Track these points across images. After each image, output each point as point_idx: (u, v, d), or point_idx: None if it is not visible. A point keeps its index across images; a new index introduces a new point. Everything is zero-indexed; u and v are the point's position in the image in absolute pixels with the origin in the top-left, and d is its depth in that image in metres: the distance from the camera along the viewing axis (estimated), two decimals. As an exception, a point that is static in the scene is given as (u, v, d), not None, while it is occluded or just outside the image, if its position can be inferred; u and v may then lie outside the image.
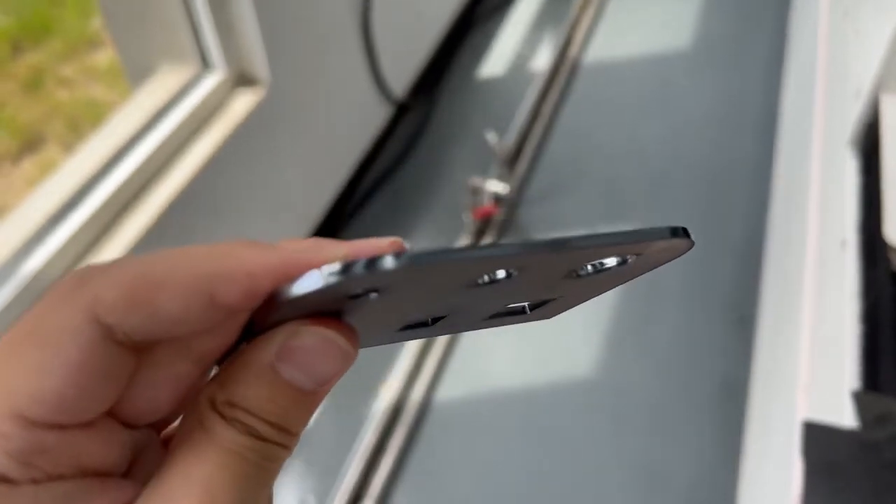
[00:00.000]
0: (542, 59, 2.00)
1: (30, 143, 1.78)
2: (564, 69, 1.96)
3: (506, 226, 1.62)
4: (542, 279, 0.22)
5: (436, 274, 0.19)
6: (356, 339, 0.19)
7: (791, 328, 1.01)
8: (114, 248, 1.06)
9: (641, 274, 0.24)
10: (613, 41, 2.07)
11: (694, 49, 2.03)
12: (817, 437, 0.67)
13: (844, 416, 0.71)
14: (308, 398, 0.19)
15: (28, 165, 1.73)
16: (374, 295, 0.19)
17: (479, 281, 0.20)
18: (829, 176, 1.02)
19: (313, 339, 0.19)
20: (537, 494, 1.22)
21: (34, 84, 1.90)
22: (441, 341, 1.40)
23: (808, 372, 0.89)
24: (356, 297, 0.19)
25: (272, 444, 0.18)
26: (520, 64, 2.02)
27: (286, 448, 0.19)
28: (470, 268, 0.19)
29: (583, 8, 2.14)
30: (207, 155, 1.18)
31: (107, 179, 1.10)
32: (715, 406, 1.31)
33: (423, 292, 0.21)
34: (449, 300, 0.22)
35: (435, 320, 0.23)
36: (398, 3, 1.73)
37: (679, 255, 0.23)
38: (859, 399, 0.69)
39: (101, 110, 1.84)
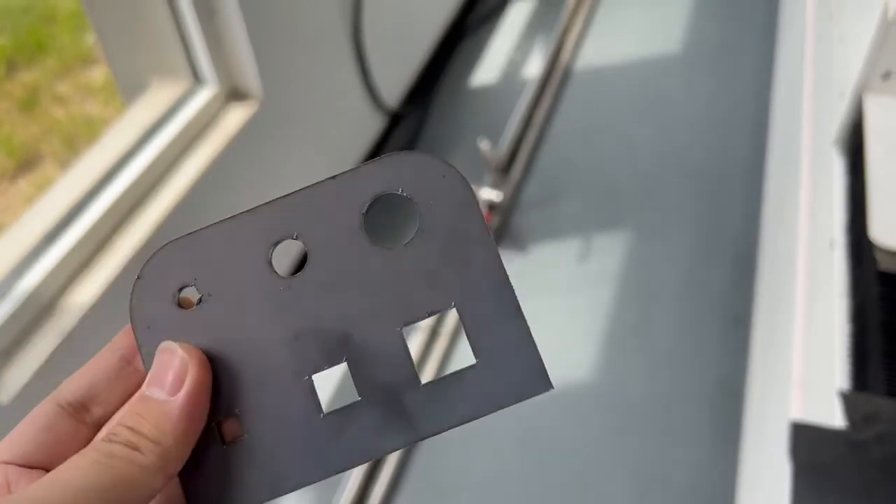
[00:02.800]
0: (534, 66, 2.01)
1: (26, 162, 1.79)
2: (556, 75, 1.97)
3: (500, 233, 1.63)
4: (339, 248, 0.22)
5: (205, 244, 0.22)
6: (197, 353, 0.22)
7: (784, 328, 1.01)
8: (110, 264, 1.07)
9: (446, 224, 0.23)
10: (604, 46, 2.08)
11: (685, 52, 2.04)
12: (805, 438, 0.68)
13: (836, 416, 0.71)
14: (166, 406, 0.21)
15: (24, 184, 1.74)
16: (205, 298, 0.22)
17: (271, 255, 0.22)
18: (817, 176, 1.02)
19: (159, 353, 0.23)
20: (536, 500, 1.23)
21: (30, 102, 1.91)
22: (439, 347, 1.40)
23: (800, 371, 0.89)
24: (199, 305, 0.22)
25: (119, 443, 0.21)
26: (512, 71, 2.03)
27: (136, 450, 0.21)
28: (240, 227, 0.22)
29: (573, 14, 2.15)
30: (201, 170, 1.19)
31: (101, 196, 1.11)
32: (712, 407, 1.31)
33: (245, 286, 0.22)
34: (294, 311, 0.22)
35: (341, 349, 0.22)
36: (389, 14, 1.74)
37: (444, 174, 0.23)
38: (847, 399, 0.70)
39: (97, 127, 1.85)
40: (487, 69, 2.04)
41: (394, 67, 1.83)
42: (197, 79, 1.27)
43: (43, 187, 1.63)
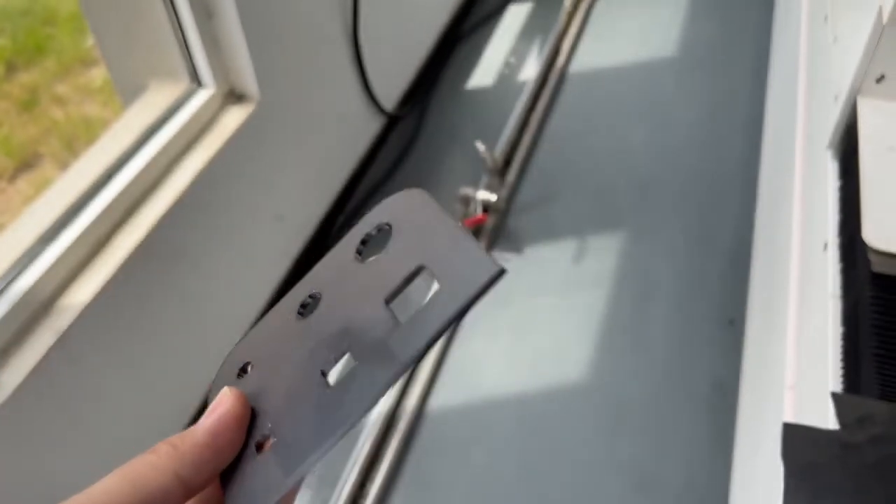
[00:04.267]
0: (530, 69, 2.02)
1: (26, 162, 1.79)
2: (552, 78, 1.97)
3: (496, 234, 1.63)
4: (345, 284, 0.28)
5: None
6: (235, 392, 0.27)
7: (777, 330, 1.01)
8: (107, 264, 1.07)
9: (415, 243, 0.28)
10: (600, 49, 2.08)
11: (680, 55, 2.05)
12: (797, 439, 0.68)
13: (829, 418, 0.71)
14: (197, 425, 0.27)
15: (24, 184, 1.75)
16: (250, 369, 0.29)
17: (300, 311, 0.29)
18: (811, 178, 1.03)
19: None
20: (532, 500, 1.23)
21: (29, 103, 1.91)
22: (434, 349, 1.41)
23: (793, 373, 0.90)
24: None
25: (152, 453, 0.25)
26: (508, 74, 2.04)
27: (153, 453, 0.25)
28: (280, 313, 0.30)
29: (570, 17, 2.16)
30: (198, 171, 1.20)
31: (99, 197, 1.11)
32: (707, 408, 1.31)
33: (281, 342, 0.29)
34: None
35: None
36: (386, 16, 1.75)
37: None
38: (840, 400, 0.70)
39: (95, 128, 1.86)
40: (484, 72, 2.05)
41: (391, 69, 1.83)
42: (194, 80, 1.27)
43: (42, 188, 1.64)
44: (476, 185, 1.65)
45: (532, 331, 1.45)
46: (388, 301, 0.26)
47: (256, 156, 1.34)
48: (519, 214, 1.68)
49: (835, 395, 0.70)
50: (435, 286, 0.25)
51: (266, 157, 1.37)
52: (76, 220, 1.08)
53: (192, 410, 1.29)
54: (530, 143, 1.81)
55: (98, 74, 1.99)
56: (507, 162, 1.77)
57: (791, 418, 0.83)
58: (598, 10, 2.22)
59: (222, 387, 0.28)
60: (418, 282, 0.27)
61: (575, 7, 2.19)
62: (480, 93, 2.00)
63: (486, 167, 1.68)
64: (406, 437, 1.31)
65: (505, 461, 1.28)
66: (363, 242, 0.29)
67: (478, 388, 1.38)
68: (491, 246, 1.61)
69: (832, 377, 0.75)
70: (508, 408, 1.35)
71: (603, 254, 1.58)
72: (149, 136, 1.20)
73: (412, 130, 1.89)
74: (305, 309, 0.29)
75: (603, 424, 1.31)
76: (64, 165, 1.75)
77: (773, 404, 0.96)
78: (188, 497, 0.25)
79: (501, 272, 0.24)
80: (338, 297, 0.28)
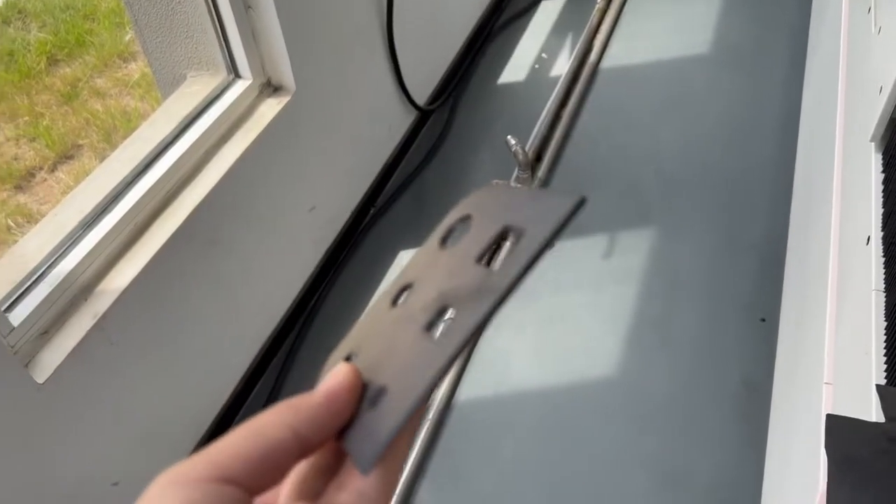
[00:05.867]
0: (562, 65, 2.01)
1: (66, 153, 1.83)
2: (584, 74, 1.97)
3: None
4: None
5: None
6: (346, 364, 0.29)
7: (815, 325, 1.00)
8: (145, 250, 1.09)
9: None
10: (632, 46, 2.07)
11: (713, 51, 2.02)
12: (840, 431, 0.67)
13: (869, 411, 0.70)
14: (314, 391, 0.28)
15: (63, 175, 1.79)
16: None
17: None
18: (852, 173, 1.01)
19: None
20: (557, 494, 1.22)
21: (70, 96, 1.95)
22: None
23: (832, 368, 0.88)
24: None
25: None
26: (540, 70, 2.03)
27: (277, 411, 0.26)
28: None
29: (602, 13, 2.15)
30: (235, 160, 1.21)
31: (138, 184, 1.13)
32: (737, 405, 1.30)
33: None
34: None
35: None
36: (420, 12, 1.76)
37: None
38: (885, 393, 0.69)
39: (133, 120, 1.89)
40: (516, 67, 2.05)
41: (424, 64, 1.84)
42: (232, 72, 1.29)
43: (81, 178, 1.67)
44: (507, 180, 1.65)
45: (560, 326, 1.45)
46: (478, 261, 0.28)
47: (291, 147, 1.35)
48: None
49: (880, 388, 0.69)
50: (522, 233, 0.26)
51: (300, 148, 1.38)
52: (115, 207, 1.10)
53: (226, 394, 1.31)
54: (561, 138, 1.81)
55: (136, 68, 2.03)
56: (538, 157, 1.76)
57: (828, 412, 0.81)
58: (630, 6, 2.20)
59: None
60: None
61: (608, 3, 2.18)
62: (512, 88, 2.00)
63: (517, 162, 1.67)
64: (434, 428, 1.31)
65: (531, 453, 1.28)
66: (446, 235, 0.31)
67: (505, 382, 1.37)
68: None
69: (875, 371, 0.74)
70: (535, 401, 1.34)
71: (632, 250, 1.57)
72: (187, 126, 1.21)
73: (443, 125, 1.89)
74: (399, 299, 0.31)
75: (630, 420, 1.30)
76: (102, 157, 1.79)
77: (809, 400, 0.94)
78: (305, 454, 0.26)
79: (583, 200, 0.25)
80: (428, 279, 0.30)
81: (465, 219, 0.31)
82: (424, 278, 0.30)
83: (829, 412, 0.73)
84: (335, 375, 0.28)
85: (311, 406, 0.26)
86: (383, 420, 0.26)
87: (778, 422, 1.18)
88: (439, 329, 0.27)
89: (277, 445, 0.25)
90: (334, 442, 0.28)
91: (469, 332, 0.25)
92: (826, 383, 0.88)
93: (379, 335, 0.30)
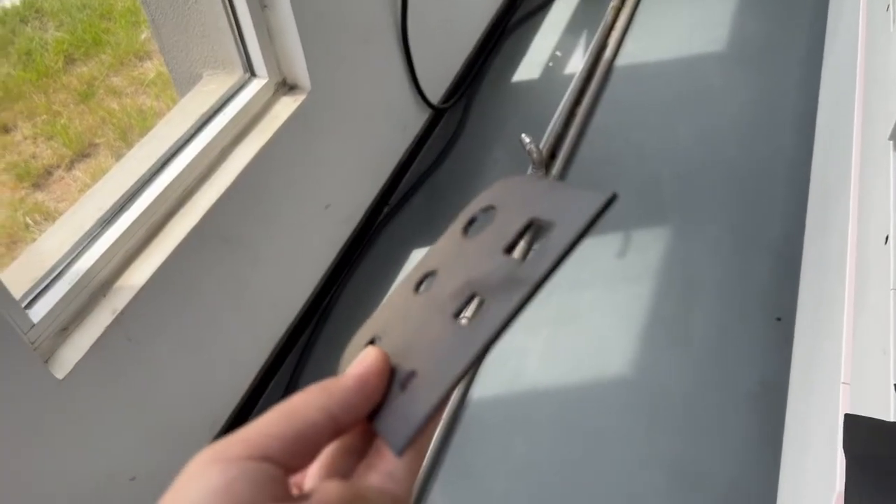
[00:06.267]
0: (577, 62, 2.01)
1: (82, 152, 1.85)
2: (599, 72, 1.96)
3: (539, 226, 1.62)
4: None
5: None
6: (375, 349, 0.29)
7: (832, 324, 0.99)
8: (162, 248, 1.10)
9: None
10: (647, 43, 2.06)
11: (729, 48, 2.01)
12: (858, 430, 0.67)
13: (888, 411, 0.70)
14: (344, 375, 0.28)
15: (80, 173, 1.80)
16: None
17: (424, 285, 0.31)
18: (870, 171, 1.00)
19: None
20: (572, 493, 1.22)
21: (86, 95, 1.97)
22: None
23: (849, 368, 0.88)
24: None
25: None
26: (554, 67, 2.03)
27: (310, 393, 0.27)
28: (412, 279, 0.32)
29: (617, 11, 2.14)
30: (250, 159, 1.22)
31: (155, 182, 1.14)
32: (752, 405, 1.29)
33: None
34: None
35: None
36: (435, 10, 1.76)
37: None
38: (903, 392, 0.68)
39: (149, 119, 1.91)
40: (530, 65, 2.04)
41: (438, 62, 1.84)
42: (248, 70, 1.30)
43: (98, 176, 1.68)
44: (525, 174, 1.65)
45: (573, 325, 1.45)
46: (506, 251, 0.28)
47: (306, 145, 1.36)
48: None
49: (897, 387, 0.69)
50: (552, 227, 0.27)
51: (315, 146, 1.39)
52: (133, 205, 1.11)
53: (242, 390, 1.32)
54: (576, 136, 1.80)
55: (151, 67, 2.05)
56: (553, 155, 1.76)
57: (846, 411, 0.81)
58: (645, 3, 2.19)
59: (346, 363, 0.30)
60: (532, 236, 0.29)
61: (622, 1, 2.17)
62: (526, 86, 2.00)
63: (531, 160, 1.67)
64: (448, 426, 1.31)
65: (544, 452, 1.28)
66: (469, 224, 0.31)
67: (519, 380, 1.37)
68: (531, 242, 1.60)
69: (893, 371, 0.73)
70: (549, 400, 1.34)
71: (646, 248, 1.56)
72: (203, 125, 1.22)
73: (457, 123, 1.89)
74: (421, 286, 0.31)
75: (644, 419, 1.30)
76: (119, 155, 1.80)
77: (826, 400, 0.94)
78: (336, 435, 0.27)
79: (614, 196, 0.25)
80: (454, 266, 0.30)
81: (488, 209, 0.31)
82: (449, 266, 0.30)
83: (847, 412, 0.73)
84: (365, 359, 0.28)
85: (343, 389, 0.27)
86: (415, 404, 0.26)
87: (794, 421, 1.17)
88: (469, 317, 0.27)
89: (312, 426, 0.26)
90: (363, 424, 0.28)
91: (502, 321, 0.25)
92: (843, 383, 0.87)
93: (405, 320, 0.30)
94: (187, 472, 0.24)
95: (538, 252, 0.26)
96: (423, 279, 0.31)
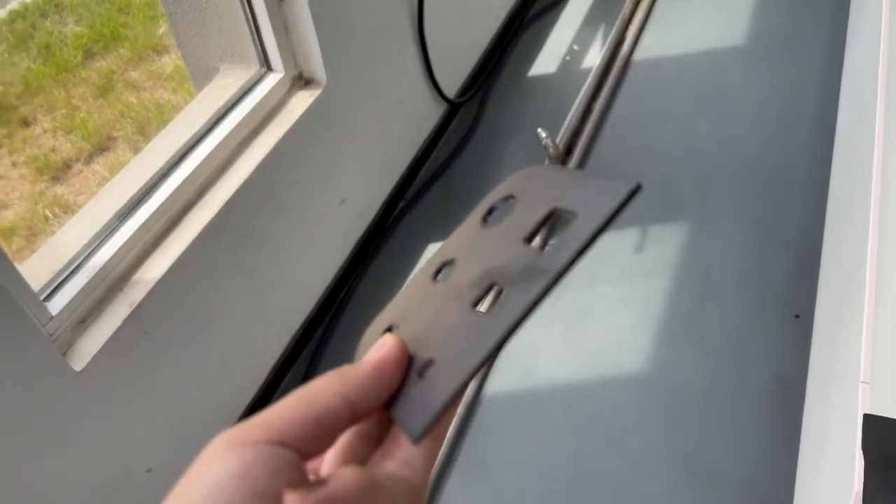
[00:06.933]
0: (594, 56, 1.99)
1: (101, 145, 1.86)
2: (616, 66, 1.94)
3: (555, 221, 1.61)
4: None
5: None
6: (394, 336, 0.29)
7: (851, 322, 0.98)
8: (179, 241, 1.10)
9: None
10: (666, 37, 2.04)
11: (748, 43, 1.99)
12: (878, 431, 0.66)
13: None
14: (362, 362, 0.28)
15: (98, 166, 1.82)
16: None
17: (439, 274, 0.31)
18: (892, 168, 0.99)
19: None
20: (586, 488, 1.22)
21: (105, 88, 1.99)
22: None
23: (868, 367, 0.86)
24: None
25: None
26: (571, 61, 2.02)
27: (324, 377, 0.27)
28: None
29: (636, 4, 2.12)
30: (266, 153, 1.22)
31: (172, 176, 1.15)
32: (769, 402, 1.28)
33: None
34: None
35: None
36: (451, 4, 1.75)
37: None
38: (923, 392, 0.67)
39: (166, 112, 1.92)
40: (547, 59, 2.03)
41: (454, 57, 1.84)
42: (264, 65, 1.30)
43: (116, 169, 1.70)
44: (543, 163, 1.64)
45: (589, 320, 1.44)
46: (525, 241, 0.28)
47: (322, 140, 1.36)
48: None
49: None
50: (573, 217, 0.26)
51: (331, 141, 1.39)
52: (150, 199, 1.12)
53: (257, 384, 1.32)
54: (592, 130, 1.79)
55: (169, 61, 2.06)
56: (569, 150, 1.75)
57: (865, 411, 0.80)
58: (664, -3, 2.17)
59: (364, 351, 0.30)
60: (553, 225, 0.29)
61: (640, -6, 2.15)
62: (543, 80, 1.99)
63: (547, 154, 1.66)
64: (463, 420, 1.31)
65: (559, 446, 1.27)
66: (488, 213, 0.31)
67: (534, 375, 1.37)
68: (551, 232, 1.60)
69: (914, 370, 0.72)
70: (563, 395, 1.34)
71: (663, 244, 1.55)
72: (220, 119, 1.23)
73: (473, 117, 1.89)
74: (440, 274, 0.31)
75: (660, 415, 1.29)
76: (136, 149, 1.81)
77: (845, 399, 0.93)
78: (354, 421, 0.27)
79: (638, 187, 0.25)
80: (473, 255, 0.30)
81: (507, 199, 0.31)
82: (467, 255, 0.30)
83: (867, 412, 0.72)
84: (383, 346, 0.28)
85: (361, 375, 0.27)
86: (433, 392, 0.26)
87: (811, 420, 1.16)
88: (487, 305, 0.27)
89: (329, 412, 0.26)
90: (380, 411, 0.28)
91: (522, 311, 0.25)
92: (863, 382, 0.86)
93: (422, 308, 0.30)
94: (204, 455, 0.24)
95: (559, 242, 0.25)
96: (441, 268, 0.31)
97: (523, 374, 1.38)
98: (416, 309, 0.30)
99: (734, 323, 1.40)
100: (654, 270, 1.51)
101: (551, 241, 0.26)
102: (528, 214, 0.29)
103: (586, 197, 0.26)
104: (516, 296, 0.26)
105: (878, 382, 0.82)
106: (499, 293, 0.27)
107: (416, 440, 0.26)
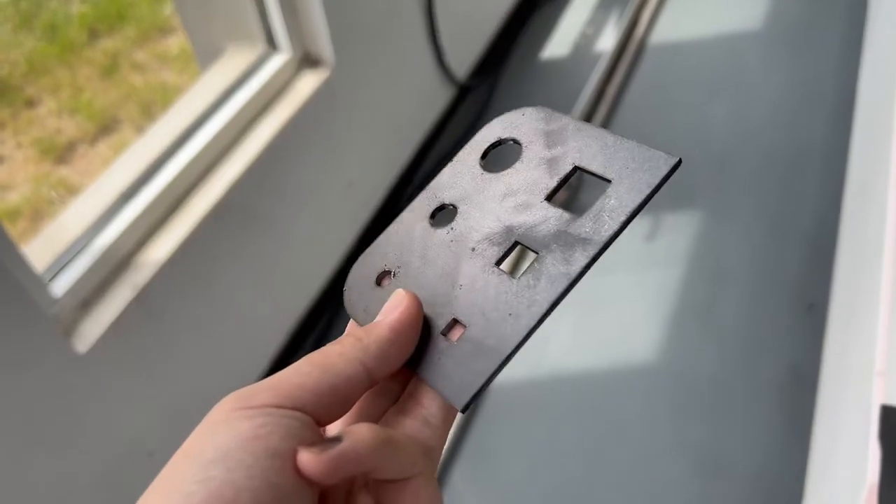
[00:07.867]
0: (607, 40, 1.96)
1: (106, 126, 1.85)
2: (630, 50, 1.91)
3: (568, 208, 1.59)
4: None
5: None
6: (410, 293, 0.28)
7: (867, 312, 0.96)
8: (183, 223, 1.09)
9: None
10: (681, 21, 2.00)
11: (765, 28, 1.95)
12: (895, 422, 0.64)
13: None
14: (379, 321, 0.27)
15: (104, 147, 1.80)
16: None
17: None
18: (914, 154, 0.96)
19: (390, 298, 0.28)
20: (594, 479, 1.21)
21: (110, 69, 1.97)
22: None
23: (884, 358, 0.85)
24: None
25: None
26: (584, 45, 1.98)
27: (338, 343, 0.27)
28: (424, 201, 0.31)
29: (650, -13, 2.08)
30: (272, 135, 1.20)
31: (176, 157, 1.13)
32: (782, 393, 1.26)
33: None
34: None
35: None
36: (461, -15, 1.72)
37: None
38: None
39: (172, 94, 1.90)
40: (559, 42, 2.00)
41: (464, 39, 1.81)
42: (271, 45, 1.28)
43: (120, 151, 1.68)
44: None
45: (599, 309, 1.42)
46: (548, 200, 0.27)
47: (329, 122, 1.34)
48: (591, 188, 1.64)
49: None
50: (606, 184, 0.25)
51: (338, 123, 1.37)
52: (154, 181, 1.10)
53: (261, 368, 1.32)
54: (605, 115, 1.77)
55: (175, 42, 2.04)
56: (579, 135, 1.72)
57: (882, 402, 0.78)
58: (678, -20, 2.13)
59: (361, 295, 0.29)
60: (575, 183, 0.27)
61: (654, -23, 2.11)
62: (555, 63, 1.96)
63: (557, 140, 1.64)
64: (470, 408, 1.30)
65: (566, 436, 1.26)
66: (484, 156, 0.29)
67: (542, 364, 1.36)
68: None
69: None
70: (572, 384, 1.33)
71: (676, 233, 1.53)
72: (225, 100, 1.21)
73: (483, 101, 1.86)
74: (436, 218, 0.29)
75: (670, 406, 1.28)
76: (141, 130, 1.80)
77: (860, 390, 0.91)
78: (371, 385, 0.26)
79: (679, 162, 0.24)
80: (479, 205, 0.28)
81: (507, 142, 0.29)
82: (473, 203, 0.28)
83: (883, 403, 0.70)
84: (398, 305, 0.27)
85: (380, 340, 0.26)
86: (476, 361, 0.25)
87: (825, 411, 1.14)
88: (509, 266, 0.26)
89: (347, 380, 0.25)
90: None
91: (568, 283, 0.24)
92: (878, 373, 0.84)
93: (425, 257, 0.28)
94: (210, 419, 0.23)
95: (597, 211, 0.24)
96: (438, 210, 0.29)
97: (533, 363, 1.36)
98: (418, 256, 0.29)
99: (746, 313, 1.38)
100: (667, 259, 1.49)
101: (575, 204, 0.24)
102: (542, 168, 0.27)
103: (622, 163, 0.25)
104: (557, 266, 0.24)
105: (894, 374, 0.80)
106: (521, 253, 0.26)
107: (463, 408, 0.25)
